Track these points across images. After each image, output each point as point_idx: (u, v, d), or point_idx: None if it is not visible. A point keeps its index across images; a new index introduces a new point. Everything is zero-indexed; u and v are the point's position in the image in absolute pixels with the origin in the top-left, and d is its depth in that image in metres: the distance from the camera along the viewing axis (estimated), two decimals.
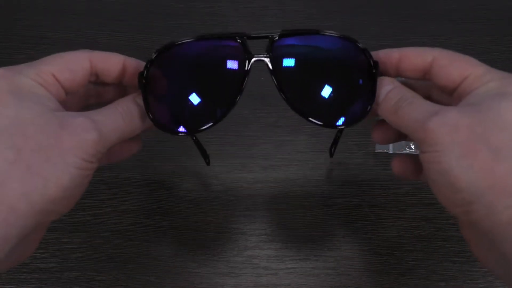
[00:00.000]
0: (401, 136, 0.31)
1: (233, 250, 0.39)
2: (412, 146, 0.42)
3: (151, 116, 0.28)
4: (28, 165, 0.22)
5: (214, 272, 0.38)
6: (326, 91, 0.30)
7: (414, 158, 0.30)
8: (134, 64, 0.29)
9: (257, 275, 0.38)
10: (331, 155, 0.37)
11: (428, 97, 0.28)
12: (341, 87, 0.31)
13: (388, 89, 0.27)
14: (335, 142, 0.36)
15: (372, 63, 0.29)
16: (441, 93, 0.29)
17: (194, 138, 0.34)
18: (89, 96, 0.30)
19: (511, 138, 0.22)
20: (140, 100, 0.28)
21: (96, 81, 0.29)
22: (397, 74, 0.29)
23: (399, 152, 0.42)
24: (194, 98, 0.30)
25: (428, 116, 0.24)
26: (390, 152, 0.43)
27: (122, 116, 0.26)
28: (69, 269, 0.38)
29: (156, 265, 0.38)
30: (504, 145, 0.22)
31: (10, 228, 0.22)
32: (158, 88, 0.29)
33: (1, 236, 0.21)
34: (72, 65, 0.26)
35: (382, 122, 0.30)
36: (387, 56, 0.28)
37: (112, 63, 0.28)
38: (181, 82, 0.31)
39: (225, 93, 0.30)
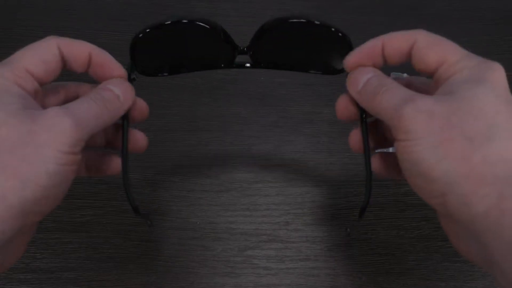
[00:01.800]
0: (381, 143, 0.31)
1: (233, 250, 0.39)
2: None
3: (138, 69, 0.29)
4: (3, 166, 0.21)
5: (214, 272, 0.38)
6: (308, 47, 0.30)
7: (394, 156, 0.30)
8: (101, 55, 0.28)
9: (257, 275, 0.38)
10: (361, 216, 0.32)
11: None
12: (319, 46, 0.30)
13: (368, 77, 0.27)
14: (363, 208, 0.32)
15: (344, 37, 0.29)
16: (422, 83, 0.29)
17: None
18: (68, 101, 0.30)
19: (485, 126, 0.22)
20: (113, 86, 0.27)
21: (64, 68, 0.28)
22: (384, 62, 0.28)
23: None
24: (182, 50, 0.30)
25: (403, 103, 0.23)
26: (390, 152, 0.43)
27: (95, 102, 0.26)
28: (69, 269, 0.38)
29: (156, 265, 0.38)
30: (478, 133, 0.22)
31: None
32: (146, 50, 0.29)
33: None
34: (45, 56, 0.26)
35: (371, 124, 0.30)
36: (370, 47, 0.27)
37: (78, 49, 0.28)
38: (169, 40, 0.30)
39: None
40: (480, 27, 0.51)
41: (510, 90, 0.24)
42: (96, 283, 0.37)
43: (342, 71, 0.29)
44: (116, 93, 0.27)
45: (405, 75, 0.39)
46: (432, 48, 0.26)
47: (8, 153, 0.22)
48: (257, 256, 0.39)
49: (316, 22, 0.28)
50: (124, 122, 0.29)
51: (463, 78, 0.24)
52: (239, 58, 0.31)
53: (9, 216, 0.21)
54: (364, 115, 0.29)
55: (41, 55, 0.26)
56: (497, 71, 0.24)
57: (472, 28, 0.51)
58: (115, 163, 0.30)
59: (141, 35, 0.28)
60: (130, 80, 0.29)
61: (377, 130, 0.31)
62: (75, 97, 0.30)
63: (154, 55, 0.30)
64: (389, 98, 0.25)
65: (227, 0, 0.53)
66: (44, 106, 0.26)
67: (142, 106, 0.30)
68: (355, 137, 0.30)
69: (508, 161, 0.21)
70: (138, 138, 0.30)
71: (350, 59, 0.28)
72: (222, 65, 0.31)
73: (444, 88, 0.25)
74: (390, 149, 0.42)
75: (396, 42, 0.27)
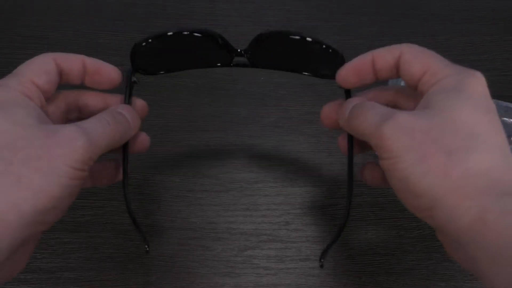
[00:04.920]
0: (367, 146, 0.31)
1: (233, 250, 0.39)
2: None
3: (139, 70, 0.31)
4: (18, 176, 0.22)
5: (214, 272, 0.38)
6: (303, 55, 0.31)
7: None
8: (94, 62, 0.29)
9: (257, 275, 0.38)
10: (322, 265, 0.33)
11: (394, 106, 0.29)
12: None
13: (353, 104, 0.27)
14: (328, 248, 0.33)
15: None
16: (407, 100, 0.29)
17: (134, 218, 0.33)
18: (71, 112, 0.31)
19: (465, 139, 0.22)
20: (124, 111, 0.29)
21: (61, 82, 0.29)
22: (375, 77, 0.29)
23: None
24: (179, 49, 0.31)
25: (382, 120, 0.24)
26: None
27: (109, 122, 0.27)
28: (69, 269, 0.38)
29: (156, 265, 0.38)
30: (457, 147, 0.22)
31: (0, 241, 0.21)
32: (147, 56, 0.30)
33: None
34: (45, 67, 0.27)
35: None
36: (360, 61, 0.28)
37: (72, 61, 0.28)
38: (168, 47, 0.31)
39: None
40: (480, 27, 0.51)
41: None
42: (96, 283, 0.37)
43: (334, 76, 0.30)
44: (127, 117, 0.29)
45: (402, 82, 0.39)
46: (417, 58, 0.26)
47: (23, 165, 0.22)
48: (257, 256, 0.39)
49: (308, 39, 0.29)
50: (125, 152, 0.30)
51: (442, 89, 0.24)
52: (237, 60, 0.32)
53: (21, 224, 0.22)
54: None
55: (43, 67, 0.27)
56: (477, 79, 0.24)
57: (472, 28, 0.50)
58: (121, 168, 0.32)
59: (143, 43, 0.29)
60: (131, 83, 0.31)
61: None
62: (75, 105, 0.30)
63: (154, 59, 0.31)
64: (369, 117, 0.25)
65: (227, 0, 0.53)
66: (47, 115, 0.27)
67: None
68: (342, 141, 0.31)
69: (487, 173, 0.22)
70: (143, 139, 0.32)
71: (341, 73, 0.28)
72: (219, 64, 0.32)
73: (424, 101, 0.25)
74: None
75: (384, 55, 0.27)
